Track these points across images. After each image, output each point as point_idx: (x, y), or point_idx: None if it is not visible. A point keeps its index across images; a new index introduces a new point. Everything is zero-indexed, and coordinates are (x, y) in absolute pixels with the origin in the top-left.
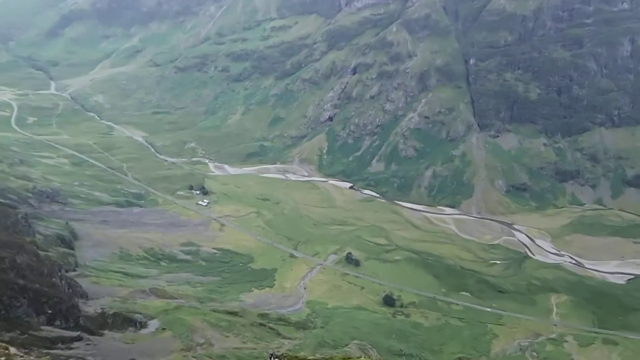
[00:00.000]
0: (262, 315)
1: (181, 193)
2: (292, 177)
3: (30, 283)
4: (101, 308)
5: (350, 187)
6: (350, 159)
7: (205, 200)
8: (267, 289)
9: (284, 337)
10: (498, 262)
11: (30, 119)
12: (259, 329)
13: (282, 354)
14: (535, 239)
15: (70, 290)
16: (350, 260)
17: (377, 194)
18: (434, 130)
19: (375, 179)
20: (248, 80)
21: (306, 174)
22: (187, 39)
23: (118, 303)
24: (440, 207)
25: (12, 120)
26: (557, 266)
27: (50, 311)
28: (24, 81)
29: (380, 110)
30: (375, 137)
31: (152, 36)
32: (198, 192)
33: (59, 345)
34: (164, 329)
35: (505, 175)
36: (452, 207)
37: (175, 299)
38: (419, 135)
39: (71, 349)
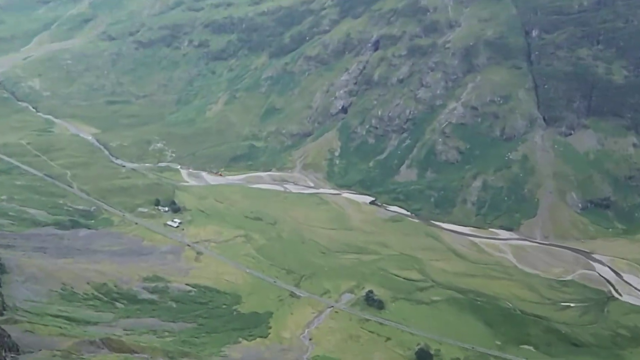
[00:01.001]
0: None
1: (144, 210)
2: (293, 188)
3: None
4: None
5: (371, 203)
6: (371, 164)
7: (176, 220)
8: (259, 339)
9: None
10: (572, 304)
11: None
12: None
13: None
14: (622, 274)
15: None
16: (371, 301)
17: (408, 211)
18: (484, 125)
19: (405, 191)
20: (233, 59)
21: (312, 185)
22: (152, 3)
23: (59, 359)
24: (492, 230)
25: None
26: None
27: None
28: None
29: (411, 98)
30: (404, 135)
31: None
32: (167, 208)
33: None
34: None
35: (580, 187)
36: (509, 229)
37: (136, 353)
38: (464, 132)
39: None
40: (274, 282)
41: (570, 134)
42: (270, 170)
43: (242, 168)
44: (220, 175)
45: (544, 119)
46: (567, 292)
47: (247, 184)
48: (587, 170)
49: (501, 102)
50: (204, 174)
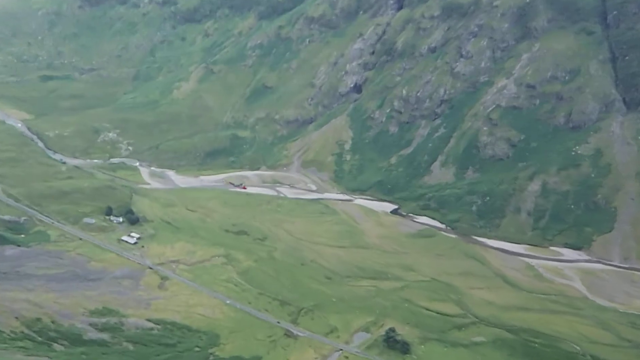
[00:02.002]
0: None
1: (91, 221)
2: (289, 193)
3: None
4: None
5: (393, 212)
6: (393, 161)
7: (133, 235)
8: None
9: None
10: None
11: None
12: None
13: None
14: None
15: None
16: (392, 342)
17: (442, 224)
18: (543, 110)
19: (438, 197)
20: (210, 21)
21: (314, 188)
22: None
23: None
24: (555, 249)
25: None
26: None
27: None
28: None
29: (446, 73)
30: (437, 122)
31: None
32: (121, 219)
33: None
34: None
35: None
36: (577, 248)
37: None
38: (517, 119)
39: None
40: (264, 317)
41: None
42: (258, 169)
43: (222, 166)
44: (244, 188)
45: (624, 101)
46: None
47: (228, 186)
48: None
49: (567, 78)
50: (170, 173)
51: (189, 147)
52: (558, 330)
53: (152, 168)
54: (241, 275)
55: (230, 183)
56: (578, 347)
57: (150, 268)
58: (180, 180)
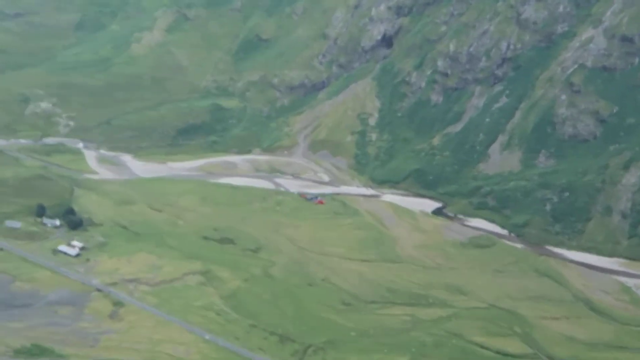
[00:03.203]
0: None
1: (16, 225)
2: (293, 186)
3: None
4: None
5: (436, 213)
6: (436, 142)
7: (75, 244)
8: None
9: None
10: None
11: None
12: None
13: None
14: None
15: None
16: None
17: (503, 228)
18: None
19: (499, 192)
20: None
21: (326, 180)
22: None
23: None
24: None
25: None
26: None
27: None
28: None
29: (510, 21)
30: (498, 88)
31: None
32: (58, 222)
33: None
34: None
35: None
36: None
37: None
38: (608, 84)
39: None
40: (257, 358)
41: None
42: (249, 153)
43: (199, 149)
44: (321, 202)
45: None
46: None
47: (209, 177)
48: None
49: None
50: (127, 158)
51: (153, 123)
52: None
53: (102, 151)
54: (226, 300)
55: (302, 195)
56: None
57: (99, 290)
58: (141, 167)
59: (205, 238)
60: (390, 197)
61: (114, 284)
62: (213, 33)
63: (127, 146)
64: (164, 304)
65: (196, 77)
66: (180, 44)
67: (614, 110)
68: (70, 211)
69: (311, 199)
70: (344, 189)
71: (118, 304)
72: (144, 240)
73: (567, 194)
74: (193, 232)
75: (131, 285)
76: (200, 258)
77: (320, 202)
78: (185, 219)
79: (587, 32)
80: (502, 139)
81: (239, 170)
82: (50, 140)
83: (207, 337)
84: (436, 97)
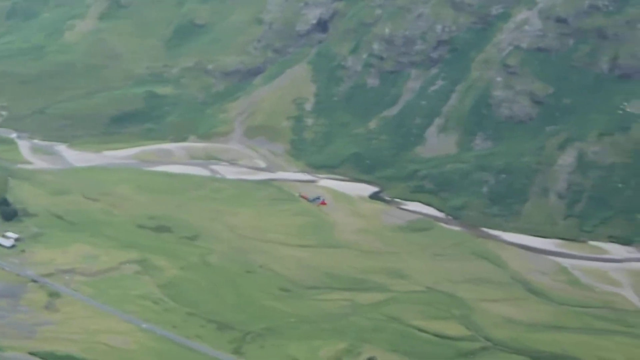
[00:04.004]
0: None
1: None
2: (229, 172)
3: None
4: None
5: (374, 197)
6: (373, 125)
7: (9, 235)
8: None
9: None
10: None
11: None
12: None
13: None
14: None
15: None
16: None
17: (441, 211)
18: (579, 53)
19: (436, 175)
20: None
21: (263, 166)
22: None
23: None
24: (596, 245)
25: None
26: None
27: None
28: None
29: (446, 3)
30: (434, 70)
31: None
32: None
33: None
34: None
35: None
36: (627, 243)
37: None
38: (544, 65)
39: None
40: (195, 346)
41: None
42: (186, 140)
43: (135, 136)
44: (324, 203)
45: None
46: None
47: (144, 165)
48: None
49: (611, 8)
50: (61, 148)
51: (87, 111)
52: (603, 357)
53: (36, 141)
54: (163, 288)
55: (303, 196)
56: None
57: (34, 281)
58: (76, 157)
59: (142, 227)
60: (328, 182)
61: (50, 274)
62: (147, 20)
63: (62, 135)
64: (101, 294)
65: (130, 64)
66: (113, 31)
67: (550, 92)
68: (4, 202)
69: (313, 200)
70: (281, 174)
71: (54, 294)
72: (79, 230)
73: (504, 175)
74: (129, 221)
75: (67, 276)
76: (137, 247)
77: (323, 204)
78: (120, 208)
79: (522, 14)
80: (438, 121)
81: (175, 158)
82: None
83: (144, 326)
84: (372, 81)
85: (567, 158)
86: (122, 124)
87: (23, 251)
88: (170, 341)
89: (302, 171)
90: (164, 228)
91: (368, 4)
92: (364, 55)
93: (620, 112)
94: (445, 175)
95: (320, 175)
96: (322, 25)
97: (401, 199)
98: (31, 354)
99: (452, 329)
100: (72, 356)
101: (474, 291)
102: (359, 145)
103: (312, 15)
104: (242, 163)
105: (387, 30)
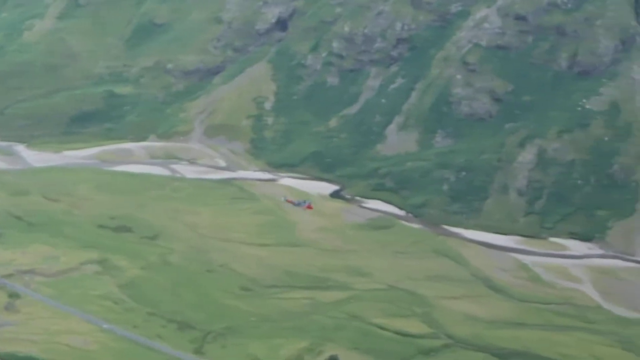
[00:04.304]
0: None
1: None
2: (189, 172)
3: None
4: None
5: (335, 195)
6: (333, 124)
7: None
8: None
9: None
10: None
11: None
12: None
13: None
14: None
15: None
16: None
17: (402, 209)
18: (538, 50)
19: (397, 173)
20: None
21: (223, 164)
22: None
23: None
24: (557, 241)
25: None
26: None
27: None
28: None
29: (403, 2)
30: (394, 68)
31: None
32: None
33: None
34: None
35: None
36: (587, 239)
37: None
38: (503, 63)
39: None
40: (156, 346)
41: None
42: (146, 140)
43: (95, 136)
44: (310, 207)
45: None
46: None
47: (104, 164)
48: None
49: (570, 6)
50: (20, 148)
51: (46, 111)
52: (564, 353)
53: None
54: (124, 288)
55: (289, 201)
56: None
57: None
58: (35, 157)
59: (102, 227)
60: (288, 180)
61: (9, 275)
62: (106, 19)
63: (21, 135)
64: (61, 294)
65: (89, 64)
66: (72, 30)
67: (510, 89)
68: None
69: (299, 204)
70: (241, 173)
71: (14, 295)
72: (39, 231)
73: (464, 173)
74: (89, 221)
75: (26, 277)
76: (97, 247)
77: (310, 207)
78: (80, 208)
79: (481, 12)
80: (398, 119)
81: (135, 158)
82: None
83: (105, 326)
84: (332, 79)
85: (527, 155)
86: (81, 124)
87: None
88: (131, 341)
89: (263, 170)
90: (124, 228)
91: (328, 3)
92: (324, 54)
93: (580, 109)
94: (405, 173)
95: (281, 174)
96: (281, 24)
97: (362, 197)
98: None
99: (414, 326)
100: (33, 357)
101: (435, 288)
102: (319, 144)
103: (272, 14)
104: (202, 162)
105: (346, 29)
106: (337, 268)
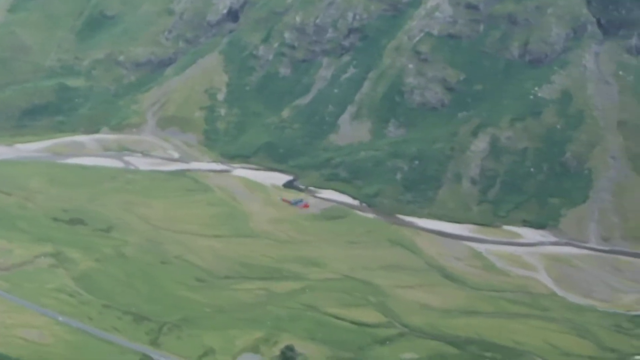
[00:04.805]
0: None
1: None
2: (142, 163)
3: None
4: None
5: (288, 186)
6: (286, 114)
7: None
8: None
9: None
10: None
11: None
12: None
13: None
14: None
15: None
16: None
17: (355, 199)
18: (490, 39)
19: (350, 163)
20: None
21: (176, 156)
22: None
23: None
24: (510, 229)
25: None
26: None
27: None
28: None
29: None
30: (345, 58)
31: None
32: None
33: None
34: None
35: None
36: (540, 227)
37: None
38: (455, 52)
39: None
40: (112, 338)
41: None
42: (98, 132)
43: (47, 129)
44: (306, 206)
45: (599, 24)
46: None
47: (57, 157)
48: None
49: None
50: None
51: None
52: (518, 340)
53: None
54: (78, 281)
55: (285, 200)
56: None
57: None
58: None
59: (56, 220)
60: (242, 171)
61: None
62: (56, 11)
63: None
64: (16, 288)
65: (41, 56)
66: (23, 23)
67: (462, 78)
68: None
69: (296, 203)
70: (194, 165)
71: None
72: None
73: (417, 162)
74: (43, 214)
75: None
76: (51, 240)
77: (306, 206)
78: (34, 202)
79: (432, 1)
80: (351, 109)
81: (88, 150)
82: None
83: (60, 319)
84: (284, 70)
85: (480, 144)
86: (33, 117)
87: None
88: (87, 334)
89: (216, 161)
90: (77, 220)
91: None
92: (276, 45)
93: (532, 97)
94: (358, 162)
95: (234, 165)
96: (233, 15)
97: (315, 187)
98: None
99: (369, 316)
100: None
101: (389, 278)
102: (272, 135)
103: (223, 4)
104: (155, 154)
105: (298, 19)
106: (291, 259)
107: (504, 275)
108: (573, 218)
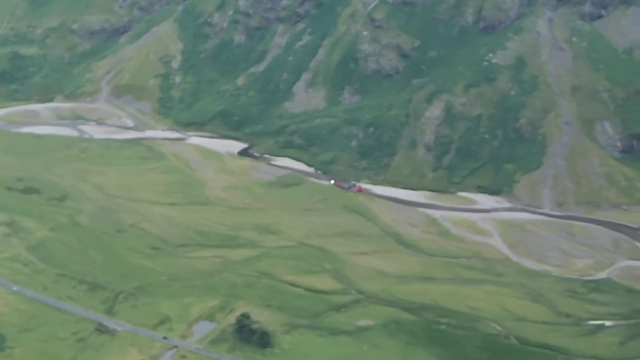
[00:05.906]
0: None
1: None
2: (97, 132)
3: None
4: None
5: (243, 154)
6: (241, 82)
7: None
8: None
9: None
10: (607, 323)
11: None
12: None
13: None
14: None
15: None
16: (247, 333)
17: (310, 166)
18: (444, 5)
19: (305, 130)
20: None
21: (131, 125)
22: None
23: None
24: (465, 196)
25: None
26: None
27: None
28: None
29: None
30: (300, 25)
31: None
32: None
33: None
34: None
35: (620, 112)
36: (495, 193)
37: None
38: (410, 18)
39: None
40: (67, 307)
41: (601, 16)
42: (52, 100)
43: (1, 98)
44: (360, 190)
45: None
46: (600, 302)
47: (10, 126)
48: (632, 80)
49: None
50: None
51: None
52: (473, 306)
53: None
54: (32, 250)
55: (338, 185)
56: (500, 327)
57: None
58: None
59: (9, 189)
60: (196, 139)
61: None
62: None
63: None
64: None
65: None
66: None
67: (416, 45)
68: None
69: (349, 187)
70: (149, 133)
71: None
72: None
73: (372, 129)
74: None
75: None
76: (5, 209)
77: (360, 190)
78: None
79: None
80: (306, 76)
81: (42, 119)
82: None
83: (14, 288)
84: (239, 37)
85: (435, 110)
86: None
87: None
88: (42, 303)
89: (171, 129)
90: (32, 189)
91: None
92: (230, 12)
93: (486, 63)
94: (314, 130)
95: (189, 133)
96: None
97: (270, 154)
98: None
99: (324, 282)
100: None
101: (344, 245)
102: (226, 102)
103: None
104: (109, 122)
105: None
106: (246, 226)
107: (459, 241)
108: (527, 184)
